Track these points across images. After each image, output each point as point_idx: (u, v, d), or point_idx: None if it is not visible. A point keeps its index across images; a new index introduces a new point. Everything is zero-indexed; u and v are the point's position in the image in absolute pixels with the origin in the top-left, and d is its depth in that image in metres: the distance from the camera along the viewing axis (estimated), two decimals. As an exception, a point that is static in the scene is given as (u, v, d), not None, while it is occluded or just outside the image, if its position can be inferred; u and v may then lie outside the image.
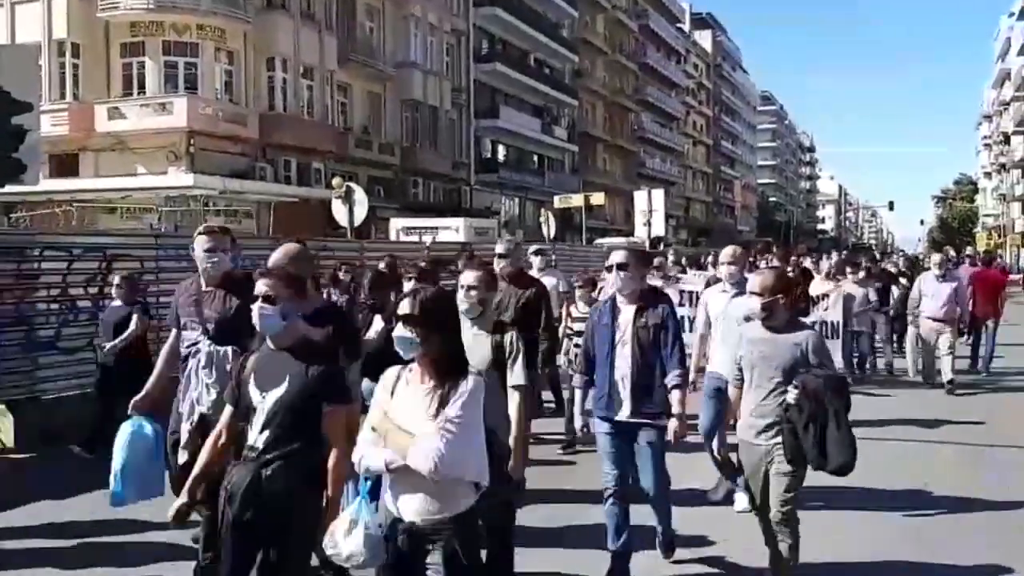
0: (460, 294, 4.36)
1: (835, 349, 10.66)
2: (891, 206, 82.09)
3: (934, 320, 11.77)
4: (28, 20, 26.46)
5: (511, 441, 4.25)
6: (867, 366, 13.06)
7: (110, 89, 27.64)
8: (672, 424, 4.94)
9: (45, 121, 26.50)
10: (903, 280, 16.94)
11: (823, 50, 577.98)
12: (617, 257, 5.11)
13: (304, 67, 30.87)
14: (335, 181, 18.10)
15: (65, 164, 26.94)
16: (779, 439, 4.48)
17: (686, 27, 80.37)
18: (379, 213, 26.63)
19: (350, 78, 33.92)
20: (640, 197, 30.98)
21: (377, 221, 25.70)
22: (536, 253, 10.74)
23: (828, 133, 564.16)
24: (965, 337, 13.56)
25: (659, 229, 31.12)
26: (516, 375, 4.31)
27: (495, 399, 4.01)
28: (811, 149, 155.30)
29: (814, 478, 4.65)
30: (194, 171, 25.81)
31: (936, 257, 12.98)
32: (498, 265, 6.65)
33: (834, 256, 20.16)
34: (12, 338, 8.91)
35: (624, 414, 5.02)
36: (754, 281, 4.78)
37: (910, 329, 12.48)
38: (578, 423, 5.49)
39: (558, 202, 32.08)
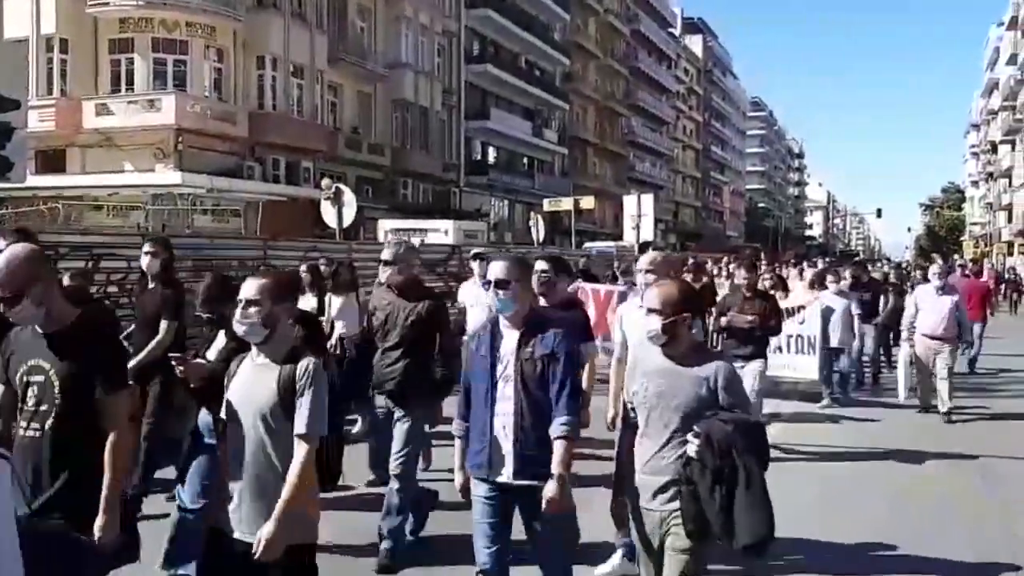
0: (238, 312, 3.45)
1: (811, 367, 10.40)
2: (879, 213, 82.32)
3: (932, 338, 10.23)
4: (16, 15, 26.19)
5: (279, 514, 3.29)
6: (850, 385, 11.94)
7: (98, 86, 27.47)
8: (548, 489, 3.73)
9: (32, 117, 26.40)
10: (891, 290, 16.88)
11: (813, 57, 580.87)
12: (496, 271, 3.98)
13: (294, 66, 30.76)
14: (324, 182, 18.04)
15: (52, 160, 26.76)
16: (678, 504, 3.47)
17: (677, 32, 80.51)
18: (368, 214, 26.53)
19: (340, 78, 33.82)
20: (629, 201, 30.95)
21: (366, 222, 25.62)
22: (476, 258, 9.24)
23: (817, 140, 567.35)
24: (961, 350, 11.47)
25: (648, 233, 31.09)
26: (301, 420, 3.33)
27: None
28: (800, 155, 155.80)
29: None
30: (182, 169, 25.70)
31: (935, 267, 11.49)
32: (383, 274, 5.60)
33: (819, 264, 19.94)
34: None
35: (505, 474, 3.90)
36: (652, 294, 3.69)
37: (903, 346, 11.04)
38: (458, 480, 4.15)
39: (548, 205, 32.12)
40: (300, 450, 3.31)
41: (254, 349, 3.52)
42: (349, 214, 17.09)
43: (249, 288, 3.47)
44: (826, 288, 11.79)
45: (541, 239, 27.14)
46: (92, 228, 16.80)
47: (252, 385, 3.43)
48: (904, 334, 10.82)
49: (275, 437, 3.37)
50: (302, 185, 29.81)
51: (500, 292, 3.93)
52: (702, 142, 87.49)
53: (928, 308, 10.36)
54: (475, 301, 8.54)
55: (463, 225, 26.31)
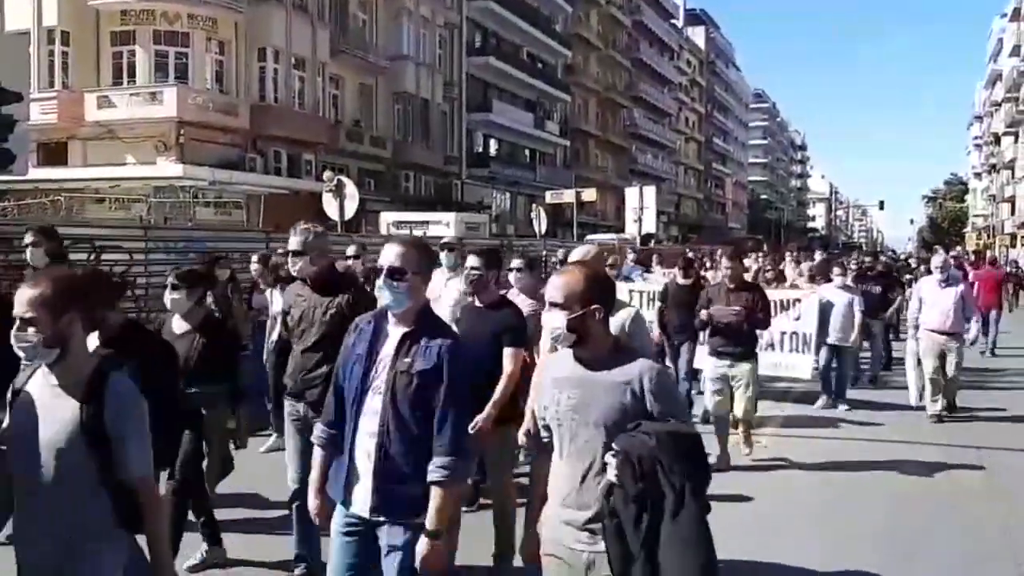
0: (12, 334, 2.72)
1: (804, 366, 9.71)
2: (881, 205, 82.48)
3: (939, 333, 9.58)
4: (18, 8, 26.19)
5: None
6: (848, 386, 10.87)
7: (100, 78, 27.46)
8: (419, 545, 3.08)
9: (34, 109, 26.31)
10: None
11: (815, 49, 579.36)
12: (389, 256, 3.23)
13: (296, 58, 30.74)
14: (326, 175, 18.00)
15: (54, 153, 26.79)
16: (603, 545, 2.75)
17: (679, 23, 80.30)
18: (369, 207, 26.53)
19: (342, 70, 33.79)
20: (631, 193, 31.01)
21: (367, 215, 25.62)
22: (445, 248, 8.01)
23: (820, 131, 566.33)
24: (974, 338, 10.56)
25: (650, 226, 31.18)
26: (133, 460, 2.76)
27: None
28: (802, 147, 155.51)
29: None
30: (183, 162, 25.73)
31: (937, 258, 10.43)
32: (294, 266, 4.80)
33: (816, 255, 18.12)
34: (-2, 329, 8.81)
35: (361, 507, 3.18)
36: (553, 285, 2.94)
37: (909, 344, 10.18)
38: (312, 505, 3.40)
39: (549, 197, 32.12)
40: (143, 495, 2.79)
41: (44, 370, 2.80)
42: (351, 206, 17.08)
43: (21, 302, 2.70)
44: (830, 281, 10.99)
45: (543, 231, 27.13)
46: (94, 221, 16.83)
47: (49, 411, 2.76)
48: (910, 331, 10.11)
49: (72, 480, 2.74)
50: (304, 177, 29.82)
51: (393, 282, 3.17)
52: (704, 134, 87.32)
53: (932, 302, 9.63)
54: (439, 294, 7.32)
55: (465, 217, 26.30)
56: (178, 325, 5.16)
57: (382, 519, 3.15)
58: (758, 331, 7.82)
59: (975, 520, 6.35)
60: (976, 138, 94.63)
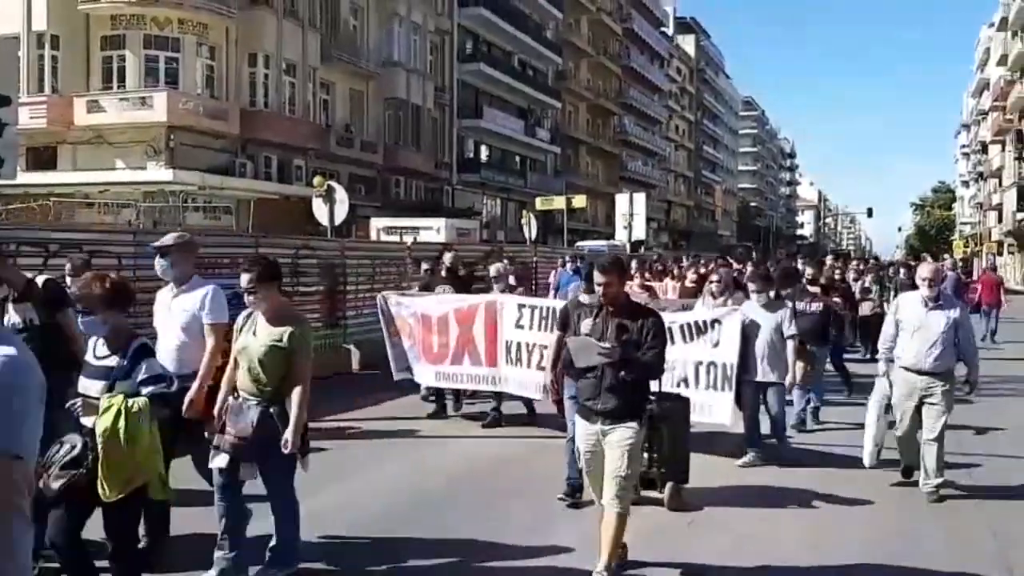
0: None
1: (723, 406, 7.45)
2: (870, 213, 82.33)
3: (919, 373, 6.70)
4: (7, 11, 26.16)
5: None
6: (787, 432, 8.35)
7: (89, 82, 27.39)
8: None
9: (23, 114, 26.14)
10: (867, 298, 15.02)
11: (804, 57, 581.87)
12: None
13: (287, 63, 30.72)
14: (316, 180, 18.02)
15: (43, 157, 26.71)
16: None
17: (670, 31, 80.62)
18: (360, 212, 26.55)
19: (333, 75, 33.79)
20: (622, 200, 31.07)
21: (358, 220, 25.63)
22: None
23: (809, 139, 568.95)
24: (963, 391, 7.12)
25: (640, 232, 31.24)
26: None
27: None
28: (792, 155, 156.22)
29: None
30: (173, 166, 25.69)
31: (926, 268, 7.09)
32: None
33: (746, 265, 16.27)
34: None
35: None
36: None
37: (878, 383, 7.21)
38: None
39: (540, 203, 32.16)
40: None
41: None
42: (341, 212, 17.10)
43: None
44: (744, 293, 8.63)
45: (533, 237, 27.18)
46: (83, 225, 16.77)
47: None
48: (880, 366, 7.16)
49: None
50: (294, 183, 29.82)
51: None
52: (694, 141, 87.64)
53: (913, 327, 6.73)
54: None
55: (455, 223, 26.35)
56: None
57: None
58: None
59: (962, 522, 6.32)
60: (963, 146, 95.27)
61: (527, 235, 27.26)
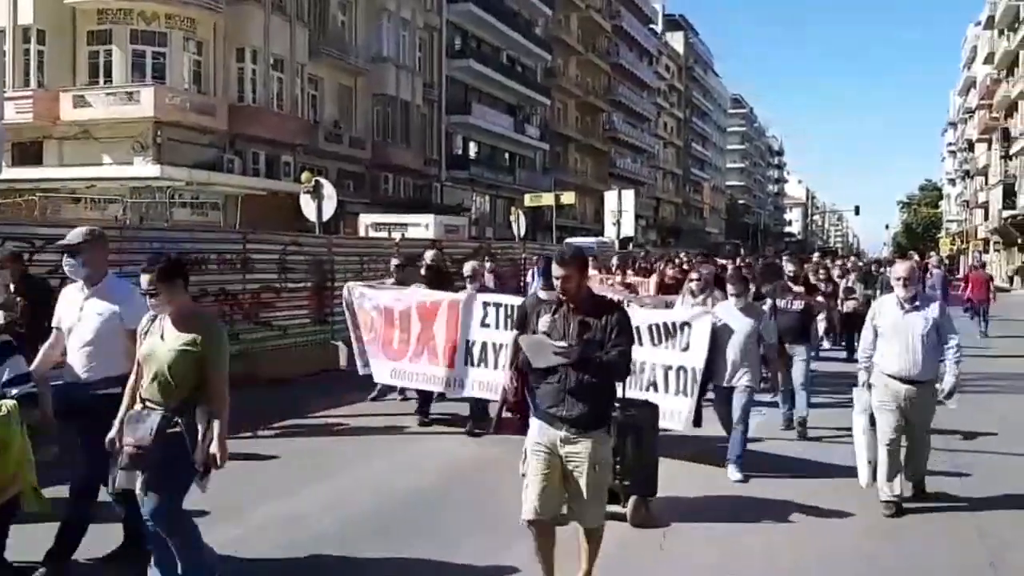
0: None
1: (681, 411, 7.07)
2: (857, 210, 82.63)
3: (900, 380, 6.26)
4: (-7, 5, 25.99)
5: None
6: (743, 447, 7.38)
7: (76, 77, 27.21)
8: None
9: (9, 109, 26.11)
10: (852, 296, 15.02)
11: (793, 55, 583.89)
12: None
13: (275, 59, 30.59)
14: (304, 175, 17.95)
15: (29, 152, 26.54)
16: None
17: (659, 28, 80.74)
18: (348, 208, 26.48)
19: (321, 71, 33.67)
20: (610, 197, 31.18)
21: (346, 216, 25.57)
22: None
23: (797, 137, 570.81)
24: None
25: (628, 229, 31.34)
26: None
27: None
28: (780, 152, 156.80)
29: None
30: (161, 162, 25.55)
31: (900, 267, 6.52)
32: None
33: (732, 261, 16.33)
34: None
35: None
36: None
37: (858, 395, 6.63)
38: None
39: (529, 200, 32.18)
40: None
41: None
42: (329, 208, 17.05)
43: None
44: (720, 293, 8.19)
45: (522, 234, 27.18)
46: (69, 221, 16.68)
47: None
48: (860, 375, 6.69)
49: None
50: (282, 178, 29.70)
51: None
52: (683, 139, 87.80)
53: (891, 332, 6.32)
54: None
55: (444, 220, 26.31)
56: None
57: None
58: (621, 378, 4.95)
59: (951, 528, 6.14)
60: (950, 144, 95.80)
61: (516, 232, 27.26)
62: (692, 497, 6.64)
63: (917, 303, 6.33)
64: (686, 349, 7.11)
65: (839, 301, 14.49)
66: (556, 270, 4.47)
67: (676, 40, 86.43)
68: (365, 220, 24.56)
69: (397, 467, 7.63)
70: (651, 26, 77.10)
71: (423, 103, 39.88)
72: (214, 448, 4.22)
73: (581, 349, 4.34)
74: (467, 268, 9.49)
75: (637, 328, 6.78)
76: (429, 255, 11.06)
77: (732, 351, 7.21)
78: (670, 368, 7.14)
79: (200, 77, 28.57)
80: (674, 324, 7.24)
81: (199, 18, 27.97)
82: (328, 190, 17.11)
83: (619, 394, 5.61)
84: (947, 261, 39.06)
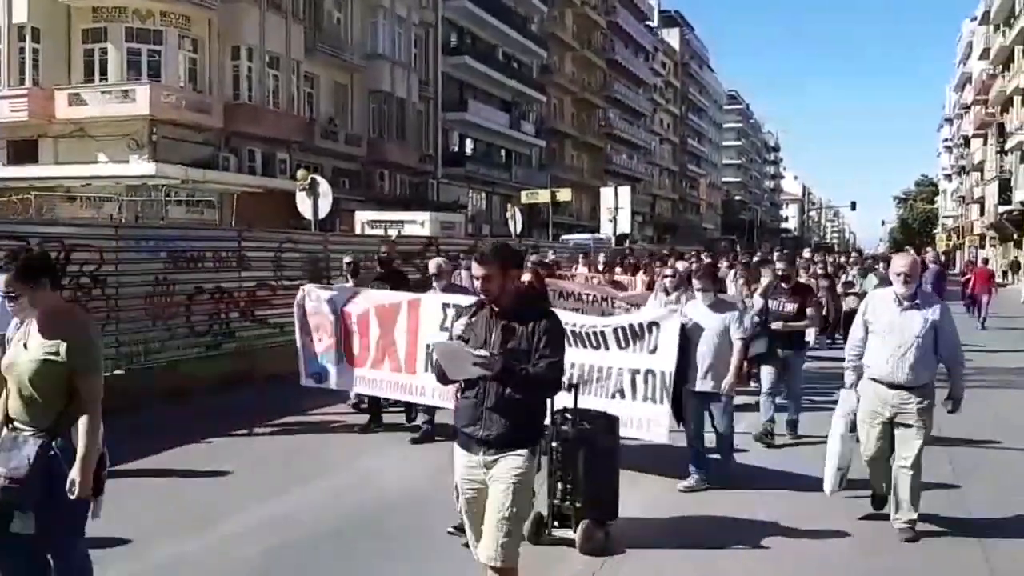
0: None
1: (660, 419, 6.43)
2: (853, 206, 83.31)
3: (890, 386, 5.65)
4: (-13, 3, 25.95)
5: None
6: (731, 455, 7.14)
7: (71, 75, 27.17)
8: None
9: (4, 107, 26.26)
10: (851, 292, 14.16)
11: (788, 51, 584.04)
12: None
13: (270, 56, 30.56)
14: (300, 173, 17.92)
15: (24, 151, 26.51)
16: None
17: (654, 24, 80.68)
18: (344, 205, 26.45)
19: (317, 68, 33.64)
20: (607, 193, 31.17)
21: (342, 214, 25.55)
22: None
23: (793, 133, 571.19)
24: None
25: (625, 226, 31.34)
26: None
27: None
28: (776, 148, 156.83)
29: None
30: (156, 160, 25.52)
31: (901, 261, 5.86)
32: None
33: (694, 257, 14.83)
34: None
35: None
36: None
37: (843, 396, 6.06)
38: None
39: (525, 197, 32.16)
40: None
41: None
42: (325, 205, 17.01)
43: None
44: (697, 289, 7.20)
45: (519, 231, 27.18)
46: (64, 219, 16.67)
47: None
48: (847, 375, 6.05)
49: None
50: (278, 176, 29.66)
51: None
52: (679, 135, 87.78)
53: (884, 331, 5.69)
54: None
55: (440, 217, 26.29)
56: None
57: None
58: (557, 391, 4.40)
59: (952, 559, 5.74)
60: (946, 140, 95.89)
61: (512, 229, 27.25)
62: (660, 518, 6.05)
63: (917, 301, 5.68)
64: (654, 351, 6.51)
65: (839, 296, 14.37)
66: (476, 269, 3.94)
67: (672, 36, 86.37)
68: (361, 217, 24.54)
69: (391, 465, 7.64)
70: (646, 22, 77.02)
71: (419, 100, 39.86)
72: (74, 473, 3.59)
73: (504, 359, 3.78)
74: (432, 265, 8.64)
75: (602, 332, 6.67)
76: (382, 250, 10.71)
77: (703, 353, 6.74)
78: (638, 372, 6.56)
79: (195, 75, 28.53)
80: (641, 325, 6.64)
81: (194, 16, 27.93)
82: (324, 187, 17.08)
83: (569, 404, 5.37)
84: (942, 257, 39.10)
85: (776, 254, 10.58)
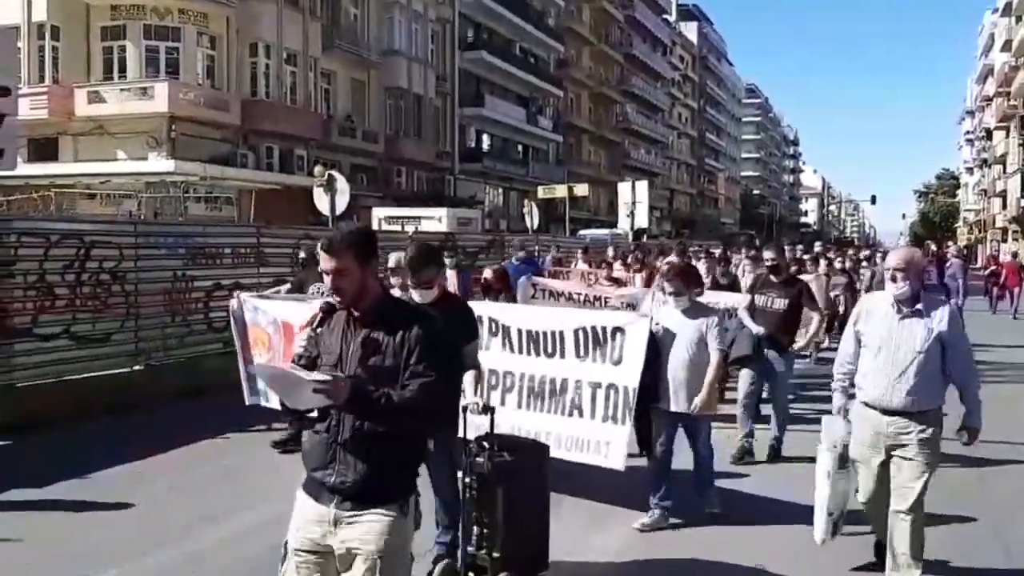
0: None
1: (616, 443, 5.50)
2: (873, 200, 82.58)
3: (885, 412, 4.53)
4: (7, 2, 26.05)
5: None
6: (710, 483, 5.98)
7: (90, 73, 27.32)
8: None
9: (24, 105, 26.14)
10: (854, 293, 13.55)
11: (807, 44, 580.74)
12: None
13: (288, 53, 30.63)
14: (317, 169, 17.95)
15: (44, 148, 26.66)
16: None
17: (672, 18, 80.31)
18: (361, 202, 26.51)
19: (334, 65, 33.70)
20: (624, 188, 31.03)
21: (359, 210, 25.58)
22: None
23: (812, 126, 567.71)
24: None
25: (643, 221, 31.18)
26: None
27: None
28: (795, 142, 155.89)
29: None
30: (175, 157, 25.64)
31: (895, 256, 4.67)
32: None
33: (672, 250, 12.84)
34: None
35: None
36: None
37: (827, 426, 4.90)
38: None
39: (542, 192, 32.05)
40: None
41: None
42: (342, 201, 17.04)
43: None
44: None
45: (535, 227, 27.13)
46: (84, 216, 16.78)
47: None
48: (835, 398, 4.95)
49: None
50: (295, 172, 29.75)
51: None
52: (697, 129, 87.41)
53: (878, 344, 4.59)
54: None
55: (457, 212, 26.30)
56: None
57: None
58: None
59: (959, 492, 5.63)
60: (967, 133, 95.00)
61: (529, 224, 27.18)
62: (607, 563, 5.04)
63: (918, 306, 4.53)
64: (618, 363, 5.53)
65: (857, 294, 13.86)
66: (324, 261, 2.93)
67: (689, 30, 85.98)
68: (378, 214, 24.58)
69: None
70: (664, 16, 76.69)
71: (436, 96, 39.85)
72: None
73: (353, 382, 2.80)
74: (392, 260, 5.86)
75: (560, 333, 5.74)
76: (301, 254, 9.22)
77: (675, 366, 5.64)
78: (599, 387, 5.58)
79: (213, 72, 28.64)
80: (604, 329, 5.65)
81: (212, 13, 28.02)
82: (341, 184, 17.11)
83: (481, 426, 4.43)
84: (965, 251, 38.82)
85: (778, 245, 9.47)
